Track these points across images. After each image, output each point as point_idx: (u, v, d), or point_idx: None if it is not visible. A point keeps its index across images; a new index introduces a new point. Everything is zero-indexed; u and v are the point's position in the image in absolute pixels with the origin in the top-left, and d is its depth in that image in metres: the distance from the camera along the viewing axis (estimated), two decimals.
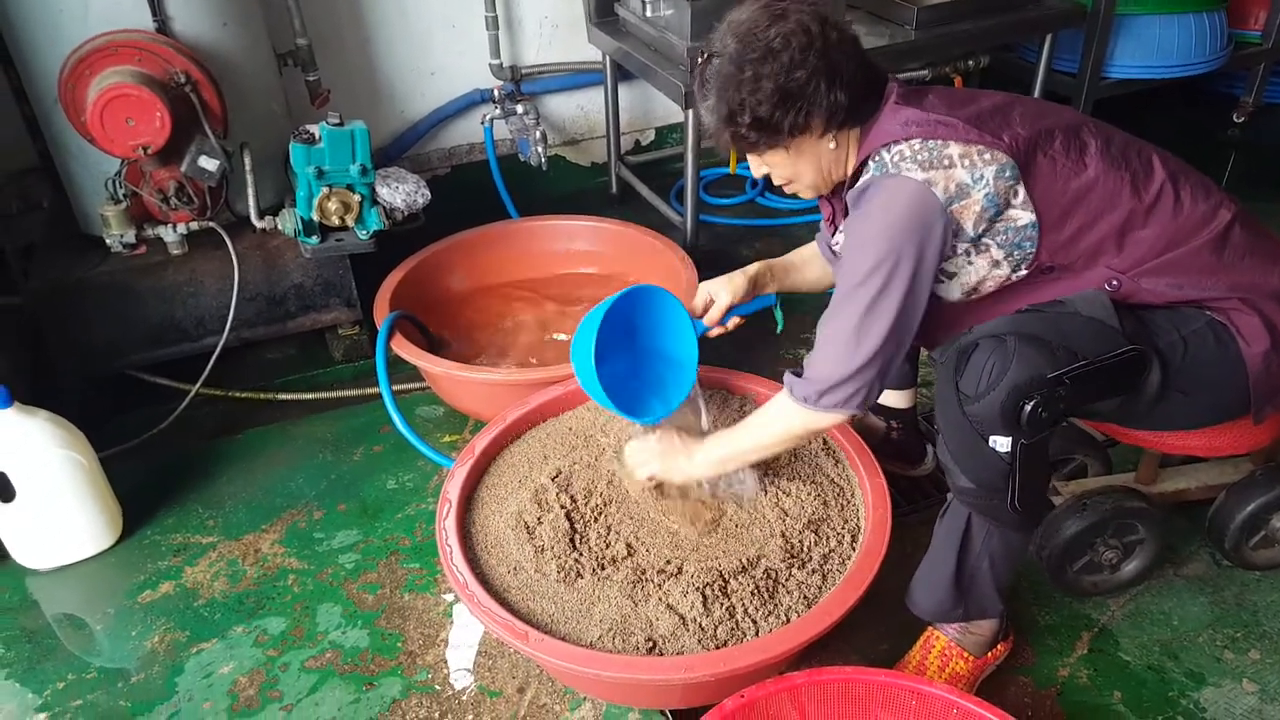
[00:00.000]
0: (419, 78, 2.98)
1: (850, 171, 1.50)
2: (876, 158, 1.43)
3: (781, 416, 1.54)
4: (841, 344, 1.42)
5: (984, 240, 1.42)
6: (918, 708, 1.43)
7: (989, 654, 1.65)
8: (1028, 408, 1.35)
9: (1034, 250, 1.43)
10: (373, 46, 2.87)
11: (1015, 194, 1.40)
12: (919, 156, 1.39)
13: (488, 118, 2.99)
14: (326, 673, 1.73)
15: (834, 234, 1.64)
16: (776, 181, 1.57)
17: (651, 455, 1.69)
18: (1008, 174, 1.38)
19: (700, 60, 1.46)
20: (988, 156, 1.38)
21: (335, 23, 2.78)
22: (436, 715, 1.65)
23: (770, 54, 1.37)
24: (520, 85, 3.05)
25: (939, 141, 1.39)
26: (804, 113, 1.39)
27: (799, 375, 1.51)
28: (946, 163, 1.38)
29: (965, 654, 1.62)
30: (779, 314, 1.90)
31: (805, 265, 1.86)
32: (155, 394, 2.34)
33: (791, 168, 1.50)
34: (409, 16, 2.86)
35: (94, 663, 1.78)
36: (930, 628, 1.65)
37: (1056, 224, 1.41)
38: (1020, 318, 1.44)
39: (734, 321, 1.80)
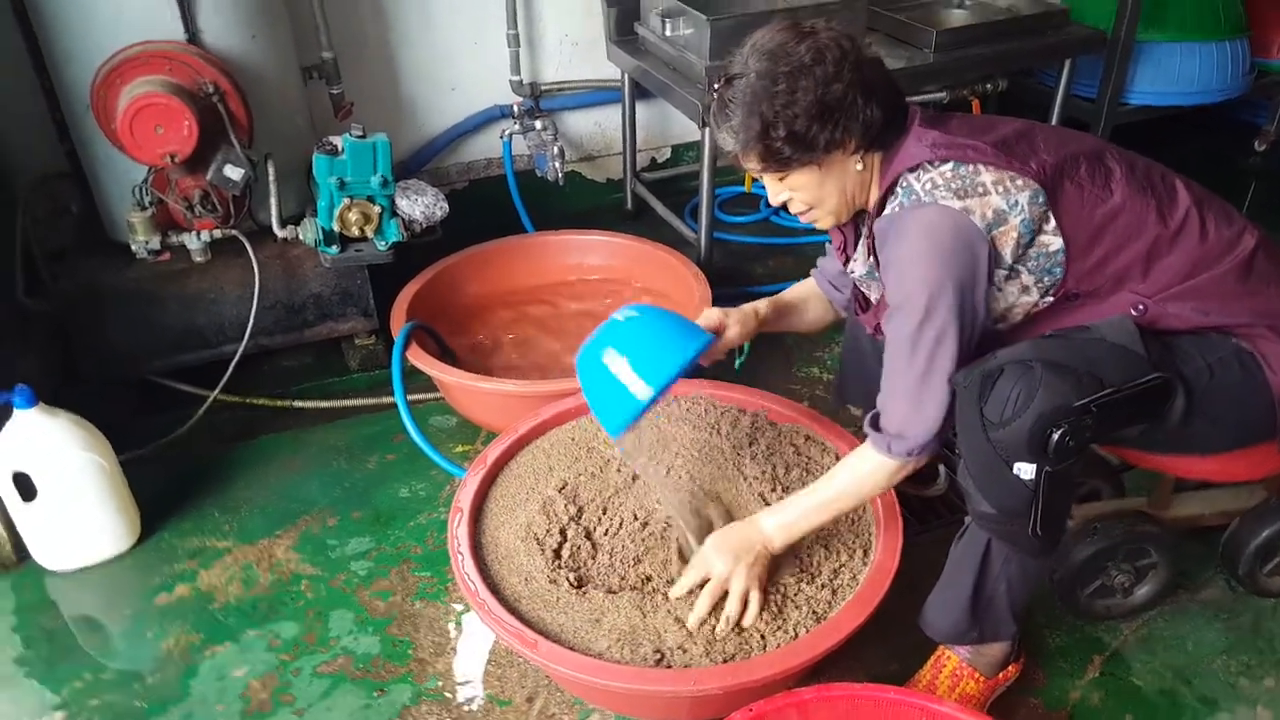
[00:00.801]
0: (440, 93, 3.01)
1: (875, 198, 1.49)
2: (904, 184, 1.41)
3: (873, 473, 1.50)
4: (914, 391, 1.41)
5: (1016, 267, 1.42)
6: None
7: (1000, 675, 1.64)
8: (1055, 436, 1.33)
9: (1061, 276, 1.43)
10: (396, 61, 2.91)
11: (1047, 220, 1.39)
12: (953, 184, 1.37)
13: (506, 133, 3.02)
14: (338, 678, 1.74)
15: (846, 264, 1.65)
16: (796, 209, 1.55)
17: (726, 558, 1.55)
18: (1040, 200, 1.38)
19: (719, 83, 1.45)
20: (1019, 183, 1.38)
21: (360, 37, 2.82)
22: None
23: (804, 68, 1.36)
24: (539, 102, 3.08)
25: (970, 168, 1.38)
26: (841, 127, 1.39)
27: (879, 429, 1.48)
28: (981, 190, 1.37)
29: (977, 674, 1.62)
30: (740, 355, 1.89)
31: (804, 306, 1.85)
32: (175, 399, 2.37)
33: (817, 190, 1.48)
34: (432, 33, 2.90)
35: (110, 663, 1.80)
36: (942, 647, 1.65)
37: (1084, 250, 1.41)
38: (1045, 343, 1.42)
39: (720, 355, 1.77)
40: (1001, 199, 1.37)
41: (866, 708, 1.44)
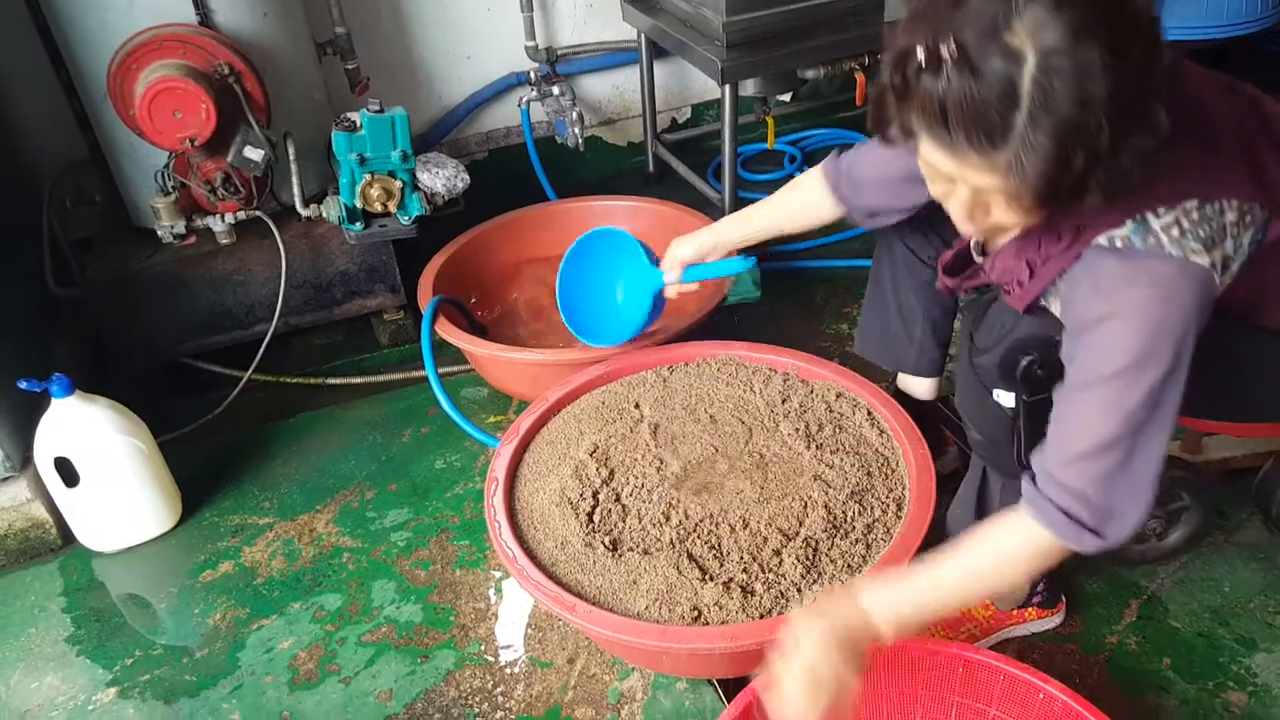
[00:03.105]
0: (455, 62, 3.00)
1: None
2: (1139, 217, 1.13)
3: (1034, 558, 1.21)
4: (1127, 471, 1.15)
5: None
6: (964, 675, 1.44)
7: (1014, 611, 1.65)
8: (1024, 363, 1.33)
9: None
10: (409, 33, 2.90)
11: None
12: (1200, 231, 1.11)
13: (524, 100, 3.01)
14: (383, 646, 1.78)
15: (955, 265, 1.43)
16: (982, 226, 1.18)
17: (819, 648, 1.18)
18: (1257, 238, 1.17)
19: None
20: (1249, 219, 1.15)
21: (373, 11, 2.81)
22: (490, 685, 1.69)
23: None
24: (556, 67, 3.06)
25: (1217, 207, 1.13)
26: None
27: (1068, 513, 1.16)
28: (1222, 234, 1.13)
29: (987, 601, 1.64)
30: (751, 282, 1.82)
31: (798, 215, 1.71)
32: (209, 381, 2.40)
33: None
34: (445, 1, 2.89)
35: (159, 640, 1.84)
36: None
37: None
38: None
39: (693, 286, 1.80)
40: (1233, 243, 1.14)
41: (904, 657, 1.45)
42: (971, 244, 1.41)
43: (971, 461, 1.61)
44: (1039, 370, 1.33)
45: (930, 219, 1.59)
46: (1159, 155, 1.01)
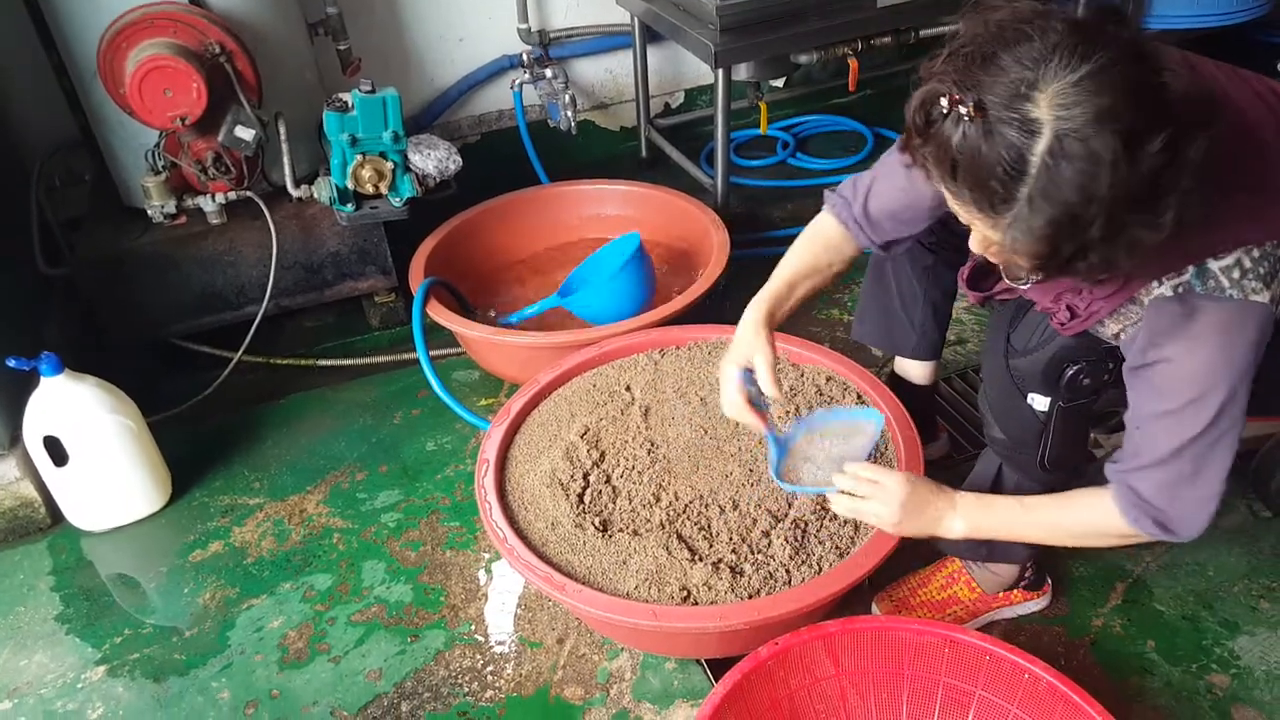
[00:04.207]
0: (448, 44, 2.99)
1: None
2: (1199, 262, 1.13)
3: (1106, 533, 1.31)
4: (1194, 482, 1.22)
5: None
6: (950, 655, 1.45)
7: (1002, 595, 1.66)
8: (1070, 372, 1.32)
9: None
10: (402, 14, 2.89)
11: None
12: (1260, 268, 1.12)
13: (517, 83, 3.00)
14: (372, 626, 1.78)
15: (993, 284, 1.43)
16: (998, 260, 1.19)
17: (893, 505, 1.40)
18: None
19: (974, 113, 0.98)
20: None
21: None
22: (479, 665, 1.70)
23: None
24: (549, 50, 3.05)
25: (1276, 243, 1.13)
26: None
27: (1143, 497, 1.24)
28: (1277, 270, 1.13)
29: (973, 584, 1.66)
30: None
31: (811, 277, 1.58)
32: (200, 362, 2.40)
33: None
34: None
35: (148, 619, 1.84)
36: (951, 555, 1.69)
37: None
38: None
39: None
40: None
41: (891, 639, 1.46)
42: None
43: (983, 456, 1.59)
44: (1085, 380, 1.32)
45: None
46: (1158, 246, 1.00)
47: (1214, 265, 1.12)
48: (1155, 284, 1.16)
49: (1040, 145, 0.95)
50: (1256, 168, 1.15)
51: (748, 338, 1.50)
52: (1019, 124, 0.95)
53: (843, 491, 1.44)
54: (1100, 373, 1.32)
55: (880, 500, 1.41)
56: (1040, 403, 1.38)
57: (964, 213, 1.08)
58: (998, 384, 1.43)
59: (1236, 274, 1.12)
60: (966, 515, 1.41)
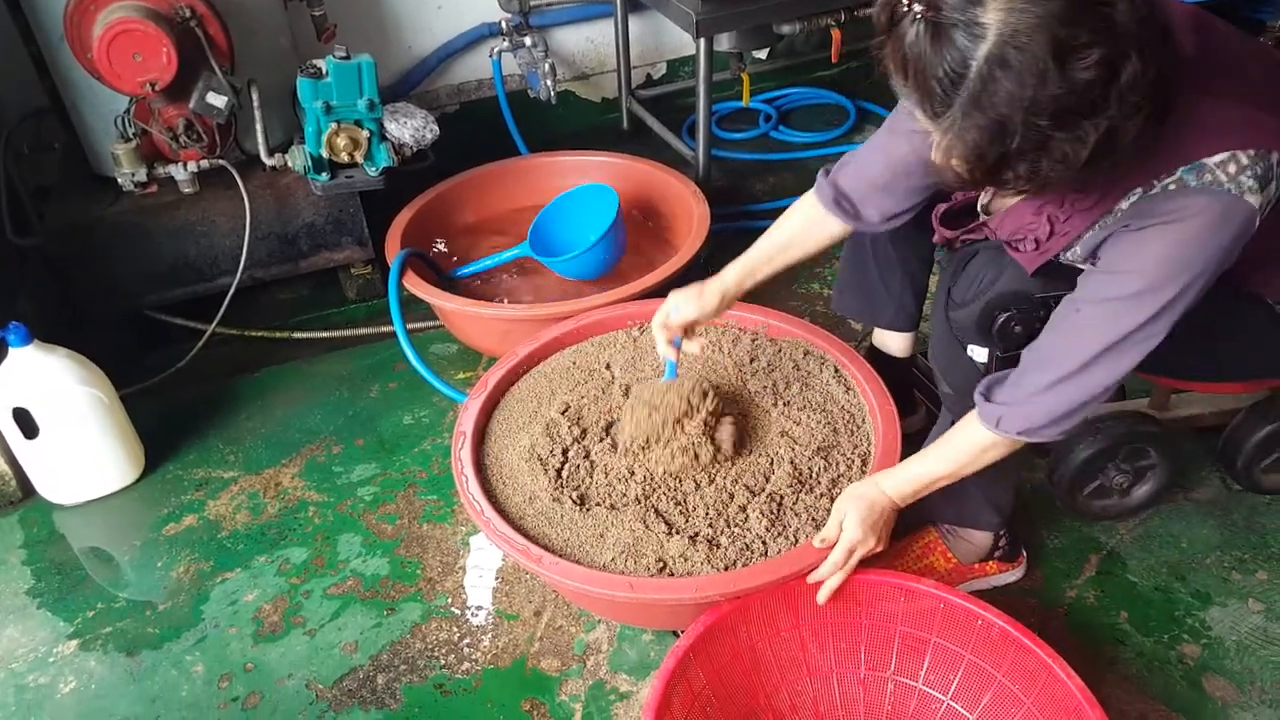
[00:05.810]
0: (426, 11, 2.94)
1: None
2: (1191, 161, 1.13)
3: (979, 450, 1.36)
4: (1075, 370, 1.23)
5: None
6: (905, 604, 1.48)
7: (977, 565, 1.68)
8: (1001, 319, 1.35)
9: None
10: None
11: None
12: (1256, 169, 1.11)
13: (496, 51, 2.95)
14: (348, 599, 1.78)
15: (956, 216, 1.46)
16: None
17: (866, 534, 1.44)
18: None
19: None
20: None
21: None
22: (456, 638, 1.69)
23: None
24: (529, 18, 3.00)
25: (1264, 150, 1.12)
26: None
27: (990, 399, 1.31)
28: (1269, 177, 1.13)
29: (949, 555, 1.68)
30: None
31: (790, 248, 1.62)
32: (174, 334, 2.36)
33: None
34: None
35: (122, 593, 1.83)
36: (928, 525, 1.70)
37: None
38: None
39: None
40: (1276, 185, 1.14)
41: (847, 589, 1.48)
42: (979, 201, 1.41)
43: (941, 415, 1.61)
44: (1016, 327, 1.34)
45: None
46: (1095, 166, 1.02)
47: (1210, 161, 1.12)
48: (1137, 192, 1.16)
49: (982, 50, 0.97)
50: (1243, 79, 1.18)
51: (703, 291, 1.61)
52: (965, 26, 0.97)
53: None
54: (1031, 320, 1.34)
55: (857, 542, 1.44)
56: (979, 354, 1.41)
57: (919, 117, 1.09)
58: (940, 337, 1.46)
59: (1232, 168, 1.11)
60: (891, 487, 1.46)
